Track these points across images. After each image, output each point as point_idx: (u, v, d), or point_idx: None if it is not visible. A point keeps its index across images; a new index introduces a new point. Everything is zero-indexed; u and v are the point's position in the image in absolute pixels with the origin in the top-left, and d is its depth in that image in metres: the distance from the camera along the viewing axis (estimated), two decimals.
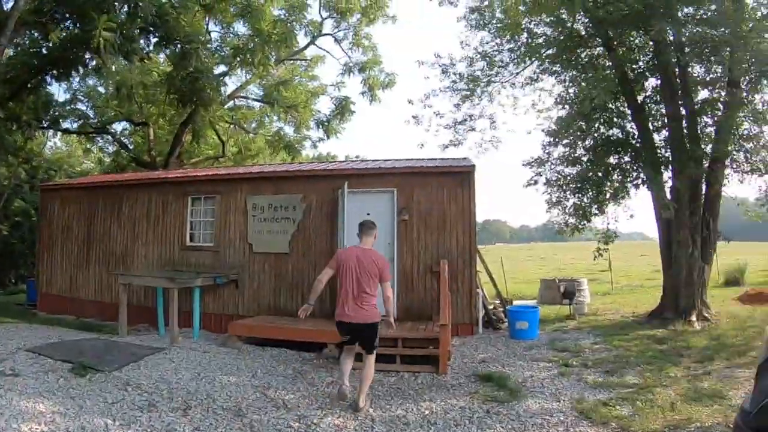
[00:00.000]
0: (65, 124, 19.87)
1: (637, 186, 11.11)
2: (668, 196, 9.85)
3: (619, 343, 7.89)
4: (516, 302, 11.87)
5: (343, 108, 19.14)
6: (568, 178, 11.54)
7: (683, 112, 10.12)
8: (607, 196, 11.07)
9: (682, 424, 4.47)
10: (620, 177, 11.09)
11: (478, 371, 6.60)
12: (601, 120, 11.13)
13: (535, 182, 11.83)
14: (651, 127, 10.80)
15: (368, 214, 8.87)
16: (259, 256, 9.78)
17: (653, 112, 11.13)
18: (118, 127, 21.90)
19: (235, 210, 10.06)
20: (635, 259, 27.03)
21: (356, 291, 5.26)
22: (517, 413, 4.97)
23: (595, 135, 11.42)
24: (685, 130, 10.02)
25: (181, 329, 10.20)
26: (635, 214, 13.05)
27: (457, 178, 9.01)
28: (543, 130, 11.76)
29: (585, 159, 11.52)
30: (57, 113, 18.27)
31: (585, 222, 11.29)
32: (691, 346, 7.54)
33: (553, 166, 11.89)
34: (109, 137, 21.30)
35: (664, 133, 10.88)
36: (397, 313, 8.82)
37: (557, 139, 11.45)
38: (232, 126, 21.56)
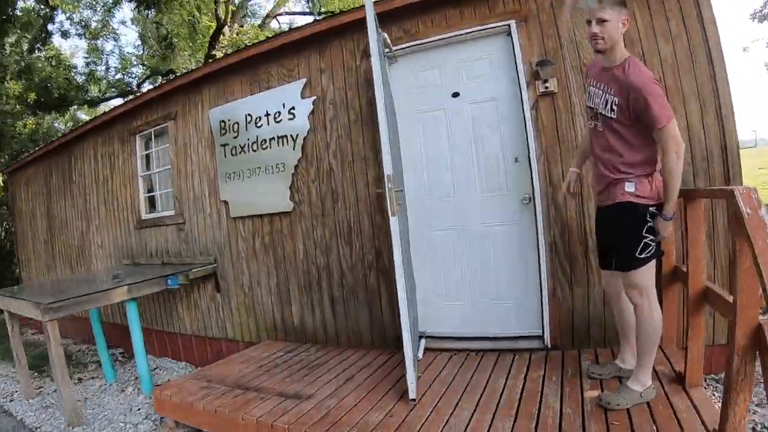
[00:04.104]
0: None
1: None
2: None
3: None
4: None
5: None
6: None
7: None
8: None
9: None
10: None
11: None
12: None
13: None
14: None
15: (455, 95, 3.54)
16: (242, 224, 4.85)
17: None
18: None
19: (198, 141, 5.20)
20: None
21: (598, 149, 2.62)
22: None
23: None
24: None
25: (159, 356, 6.00)
26: None
27: None
28: None
29: None
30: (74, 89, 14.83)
31: None
32: None
33: None
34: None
35: None
36: (547, 323, 3.45)
37: None
38: None
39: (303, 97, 4.25)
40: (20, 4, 12.85)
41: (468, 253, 3.83)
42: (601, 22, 2.38)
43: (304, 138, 4.27)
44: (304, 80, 4.25)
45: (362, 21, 3.17)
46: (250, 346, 4.79)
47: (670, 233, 2.51)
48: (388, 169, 2.79)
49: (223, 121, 4.81)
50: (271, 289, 4.66)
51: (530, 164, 3.54)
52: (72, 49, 25.33)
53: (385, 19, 3.74)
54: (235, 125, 4.71)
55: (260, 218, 4.66)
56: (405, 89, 3.90)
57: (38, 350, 7.26)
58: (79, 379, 5.60)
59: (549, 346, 3.55)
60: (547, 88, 3.46)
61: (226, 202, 4.90)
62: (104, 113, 6.55)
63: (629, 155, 2.46)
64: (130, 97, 13.84)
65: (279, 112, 4.37)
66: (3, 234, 15.66)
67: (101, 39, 17.33)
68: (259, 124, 4.52)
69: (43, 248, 8.48)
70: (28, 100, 14.12)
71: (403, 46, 3.78)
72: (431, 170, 3.89)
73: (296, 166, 4.34)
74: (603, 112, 2.50)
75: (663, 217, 2.40)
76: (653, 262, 2.51)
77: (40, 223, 8.47)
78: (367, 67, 3.93)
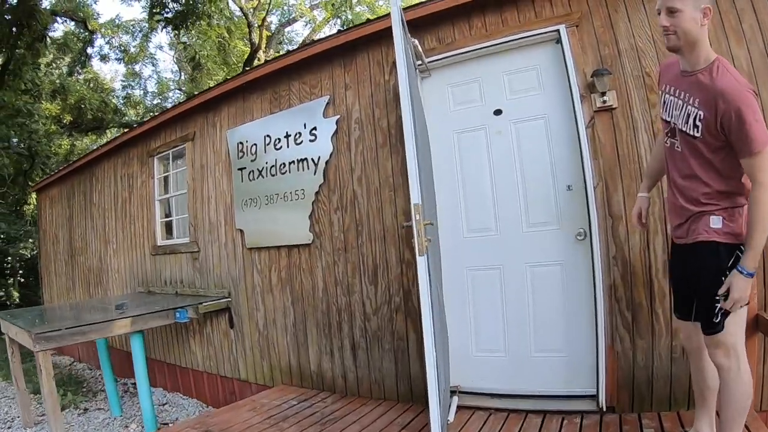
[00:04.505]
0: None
1: None
2: None
3: None
4: None
5: None
6: None
7: None
8: None
9: None
10: None
11: None
12: None
13: None
14: None
15: (497, 112, 3.05)
16: (258, 256, 4.43)
17: None
18: None
19: (215, 164, 4.86)
20: None
21: (676, 174, 2.08)
22: None
23: None
24: None
25: (170, 391, 5.65)
26: None
27: None
28: None
29: None
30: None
31: None
32: None
33: None
34: None
35: None
36: (603, 381, 2.85)
37: None
38: None
39: (325, 116, 3.84)
40: (61, 27, 13.17)
41: (511, 296, 3.28)
42: (672, 12, 1.86)
43: (326, 162, 3.84)
44: (327, 97, 3.84)
45: (391, 29, 2.74)
46: (263, 389, 4.34)
47: (747, 297, 1.90)
48: (415, 197, 2.31)
49: (241, 143, 4.45)
50: (287, 329, 4.19)
51: (586, 192, 3.00)
52: (112, 73, 26.11)
53: (416, 27, 3.31)
54: (253, 147, 4.33)
55: (277, 250, 4.23)
56: (440, 106, 3.44)
57: (57, 373, 7.00)
58: (85, 410, 5.29)
59: (604, 408, 2.95)
60: (604, 102, 2.94)
61: (241, 231, 4.50)
62: (124, 133, 6.33)
63: (717, 184, 1.92)
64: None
65: (299, 133, 3.97)
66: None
67: (140, 64, 17.68)
68: (278, 147, 4.13)
69: (63, 270, 8.29)
70: (65, 122, 14.33)
71: (438, 57, 3.34)
72: (470, 199, 3.39)
73: (317, 193, 3.91)
74: (683, 129, 1.97)
75: (741, 270, 1.82)
76: (743, 314, 1.95)
77: (62, 245, 8.30)
78: (398, 81, 3.49)
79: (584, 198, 3.02)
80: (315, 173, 3.88)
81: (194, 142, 5.07)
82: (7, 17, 8.14)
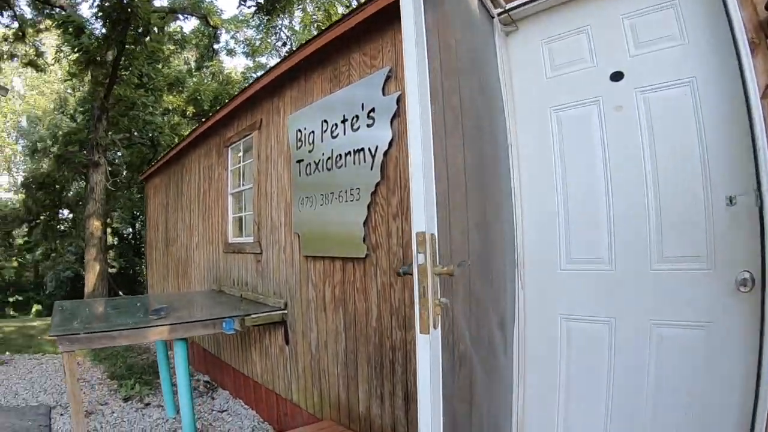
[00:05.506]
0: None
1: None
2: None
3: None
4: None
5: None
6: None
7: None
8: None
9: None
10: None
11: None
12: None
13: None
14: None
15: (615, 76, 1.96)
16: (314, 266, 3.71)
17: None
18: None
19: (278, 155, 4.26)
20: None
21: None
22: None
23: None
24: None
25: (235, 397, 5.21)
26: None
27: None
28: None
29: None
30: None
31: None
32: None
33: None
34: None
35: None
36: None
37: None
38: None
39: (385, 93, 2.97)
40: (183, 24, 13.80)
41: (621, 370, 2.16)
42: None
43: (385, 153, 2.97)
44: (387, 68, 2.96)
45: None
46: (312, 419, 3.70)
47: None
48: (419, 221, 1.36)
49: (300, 131, 3.77)
50: (338, 358, 3.44)
51: (761, 210, 1.76)
52: (242, 67, 27.64)
53: None
54: (311, 136, 3.62)
55: (332, 261, 3.48)
56: (530, 71, 2.41)
57: (137, 359, 6.97)
58: (147, 404, 5.07)
59: None
60: None
61: (298, 236, 3.83)
62: (204, 121, 6.03)
63: None
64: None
65: (357, 116, 3.16)
66: None
67: (266, 56, 18.19)
68: (334, 134, 3.36)
69: (161, 259, 8.45)
70: (188, 113, 15.10)
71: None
72: (573, 212, 2.32)
73: (373, 194, 3.06)
74: None
75: None
76: None
77: (161, 233, 8.46)
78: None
79: (757, 219, 1.79)
80: (372, 167, 3.04)
81: (260, 131, 4.53)
82: (115, 14, 8.36)
